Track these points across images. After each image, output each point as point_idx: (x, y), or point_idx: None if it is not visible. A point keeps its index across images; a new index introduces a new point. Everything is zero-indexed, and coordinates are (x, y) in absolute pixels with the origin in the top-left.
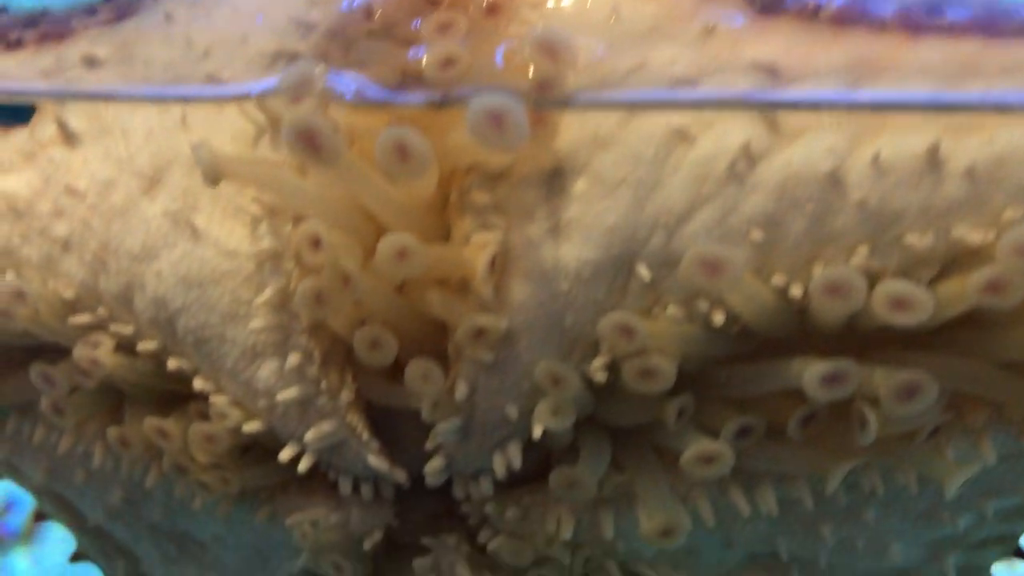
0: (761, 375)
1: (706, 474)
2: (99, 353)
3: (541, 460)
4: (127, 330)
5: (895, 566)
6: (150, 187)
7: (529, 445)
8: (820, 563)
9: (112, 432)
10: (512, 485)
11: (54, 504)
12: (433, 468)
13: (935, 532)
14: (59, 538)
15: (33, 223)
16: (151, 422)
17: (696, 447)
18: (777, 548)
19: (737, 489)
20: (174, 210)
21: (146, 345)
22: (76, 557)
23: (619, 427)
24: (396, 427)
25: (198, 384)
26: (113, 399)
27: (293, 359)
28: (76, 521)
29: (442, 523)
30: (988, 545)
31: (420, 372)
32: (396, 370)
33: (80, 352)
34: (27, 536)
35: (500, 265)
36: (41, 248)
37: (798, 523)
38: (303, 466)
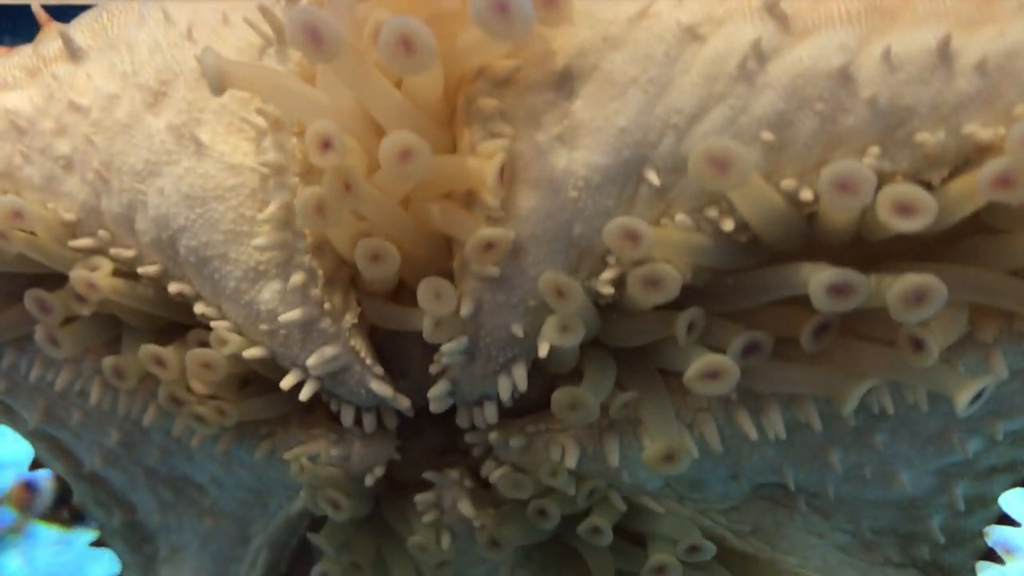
0: (767, 283)
1: (712, 390)
2: (97, 276)
3: (545, 390)
4: (128, 253)
5: (903, 497)
6: (155, 101)
7: (535, 368)
8: (828, 493)
9: (108, 362)
10: (516, 415)
11: (50, 450)
12: (437, 393)
13: (944, 458)
14: (51, 540)
15: (35, 141)
16: (148, 349)
17: (701, 362)
18: (784, 478)
19: (744, 413)
20: (178, 124)
21: (147, 269)
22: (97, 543)
23: (624, 349)
24: (399, 355)
25: (199, 309)
26: (110, 331)
27: (296, 279)
28: (72, 467)
29: (444, 459)
30: (996, 473)
31: (433, 290)
32: (399, 296)
33: (77, 275)
34: (18, 530)
35: (507, 175)
36: (43, 168)
37: (806, 450)
38: (305, 394)
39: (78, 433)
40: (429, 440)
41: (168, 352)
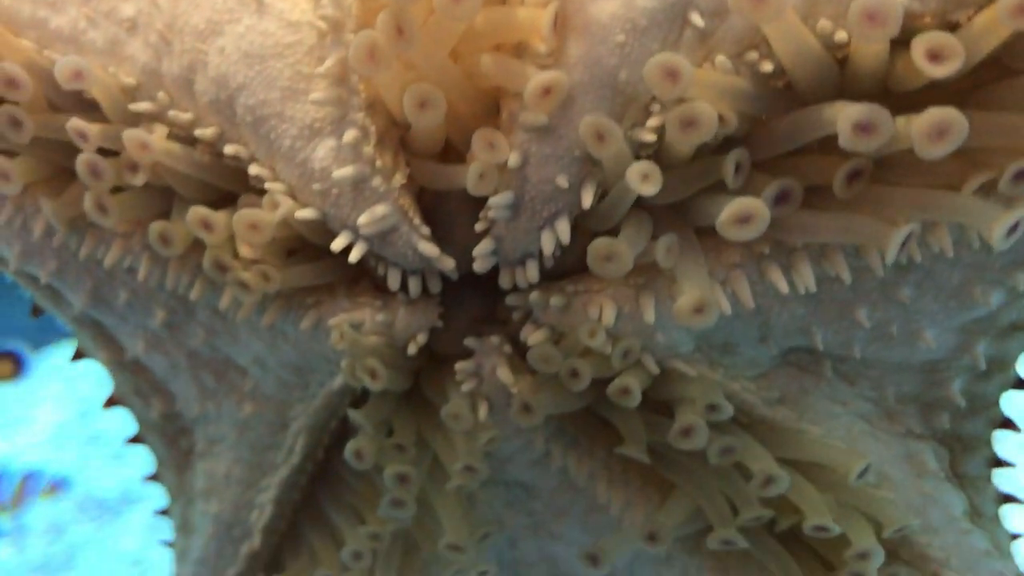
0: (798, 125)
1: (744, 235)
2: (151, 137)
3: (584, 255)
4: (185, 116)
5: (926, 358)
6: None
7: (575, 232)
8: (854, 354)
9: (155, 227)
10: (556, 278)
11: (93, 337)
12: (482, 251)
13: (967, 313)
14: (42, 530)
15: (101, 5)
16: (197, 211)
17: (733, 206)
18: (812, 338)
19: (775, 268)
20: None
21: (204, 132)
22: (135, 439)
23: (660, 208)
24: (444, 221)
25: (253, 170)
26: (162, 204)
27: (350, 136)
28: (114, 354)
29: (485, 329)
30: (1016, 331)
31: (486, 140)
32: (445, 158)
33: (131, 134)
34: (15, 504)
35: (559, 22)
36: (107, 31)
37: (834, 307)
38: (354, 255)
39: (123, 315)
40: (470, 310)
41: (217, 215)
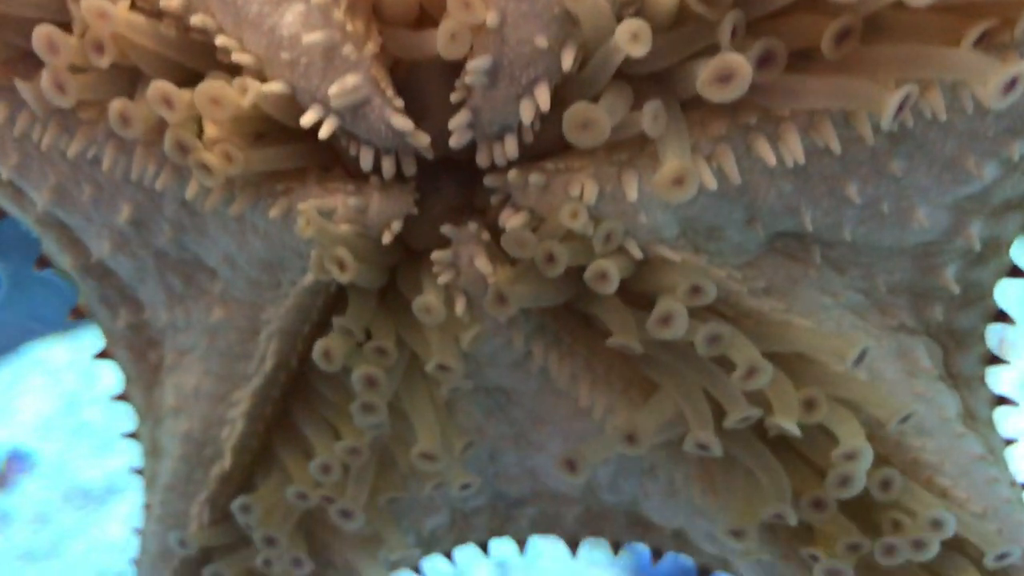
0: None
1: (725, 96)
2: (112, 7)
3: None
4: None
5: (919, 240)
6: None
7: (555, 106)
8: (844, 236)
9: (115, 106)
10: (536, 160)
11: (58, 240)
12: (458, 123)
13: (960, 187)
14: (28, 518)
15: None
16: (157, 86)
17: (713, 63)
18: (801, 218)
19: (762, 139)
20: None
21: (170, 2)
22: (102, 355)
23: (643, 78)
24: (419, 97)
25: (220, 41)
26: (127, 88)
27: None
28: (80, 258)
29: (462, 219)
30: (1010, 210)
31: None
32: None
33: (90, 4)
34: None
35: None
36: None
37: (823, 184)
38: (324, 131)
39: (88, 214)
40: (446, 199)
41: (179, 91)
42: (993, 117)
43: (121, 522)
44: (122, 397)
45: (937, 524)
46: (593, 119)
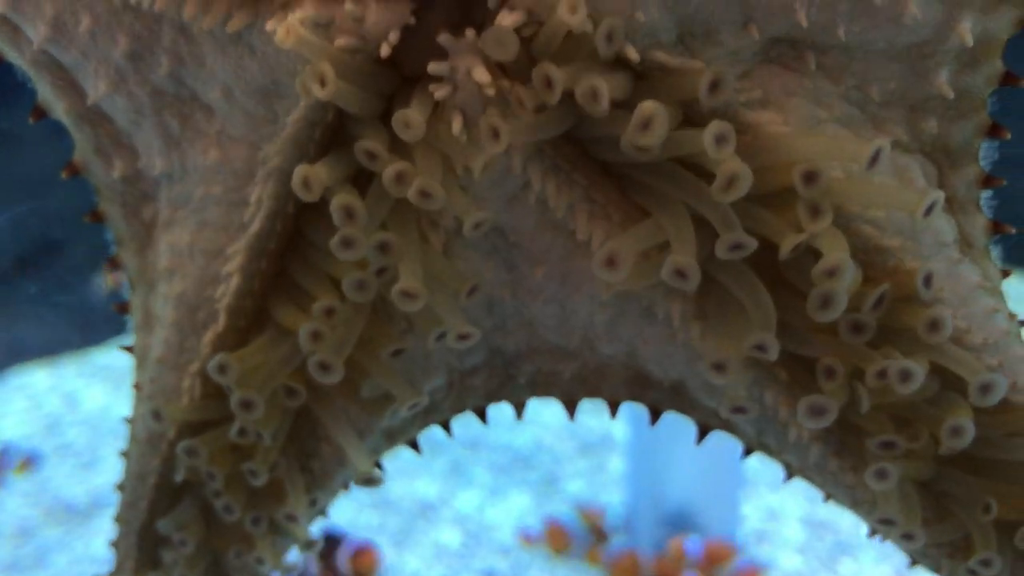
0: None
1: None
2: None
3: None
4: None
5: (913, 39)
6: None
7: None
8: (839, 34)
9: None
10: None
11: (53, 84)
12: None
13: None
14: (10, 533)
15: None
16: None
17: None
18: (796, 16)
19: None
20: None
21: None
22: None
23: None
24: None
25: None
26: None
27: None
28: (75, 103)
29: (459, 33)
30: (1002, 4)
31: None
32: None
33: None
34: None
35: None
36: None
37: None
38: None
39: (85, 49)
40: (442, 10)
41: None
42: None
43: (106, 536)
44: (113, 263)
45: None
46: None
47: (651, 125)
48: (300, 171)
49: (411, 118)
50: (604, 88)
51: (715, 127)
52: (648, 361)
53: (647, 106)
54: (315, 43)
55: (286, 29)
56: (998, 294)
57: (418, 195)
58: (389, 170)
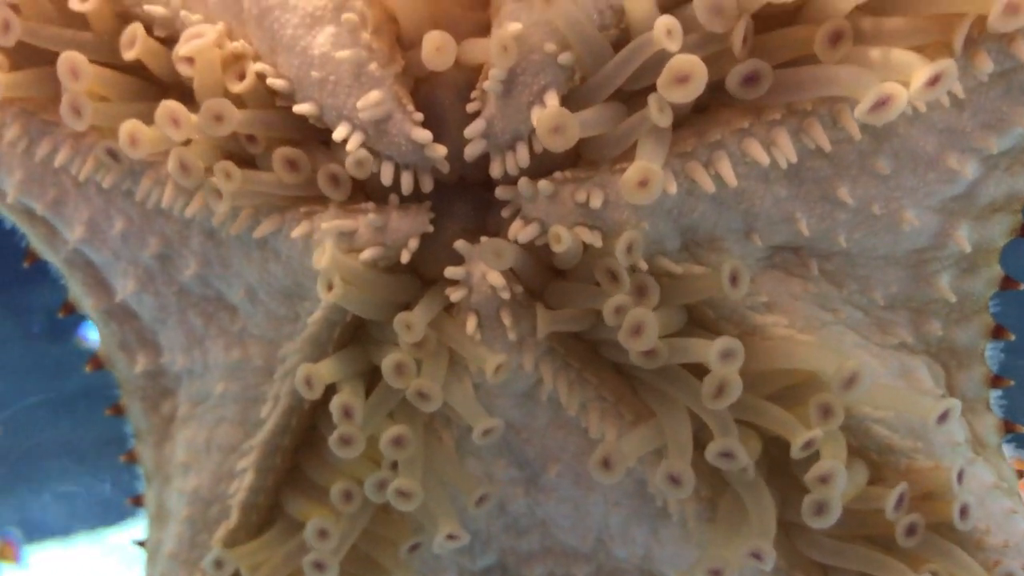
0: None
1: (680, 95)
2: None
3: (572, 153)
4: (195, 17)
5: (912, 246)
6: None
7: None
8: (840, 241)
9: (125, 127)
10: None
11: (83, 280)
12: (473, 130)
13: (945, 187)
14: None
15: None
16: (166, 105)
17: (669, 65)
18: (797, 225)
19: (755, 143)
20: None
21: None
22: (115, 410)
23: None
24: (436, 118)
25: (258, 68)
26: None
27: (348, 19)
28: (103, 300)
29: (475, 239)
30: (995, 213)
31: None
32: None
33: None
34: None
35: None
36: None
37: (815, 188)
38: (351, 145)
39: (116, 250)
40: (460, 220)
41: (185, 111)
42: (969, 112)
43: None
44: (130, 457)
45: None
46: (563, 124)
47: (641, 331)
48: (303, 369)
49: (412, 320)
50: (654, 323)
51: (722, 343)
52: (663, 563)
53: (637, 313)
54: (347, 264)
55: (322, 251)
56: (1015, 495)
57: (416, 396)
58: (388, 360)
